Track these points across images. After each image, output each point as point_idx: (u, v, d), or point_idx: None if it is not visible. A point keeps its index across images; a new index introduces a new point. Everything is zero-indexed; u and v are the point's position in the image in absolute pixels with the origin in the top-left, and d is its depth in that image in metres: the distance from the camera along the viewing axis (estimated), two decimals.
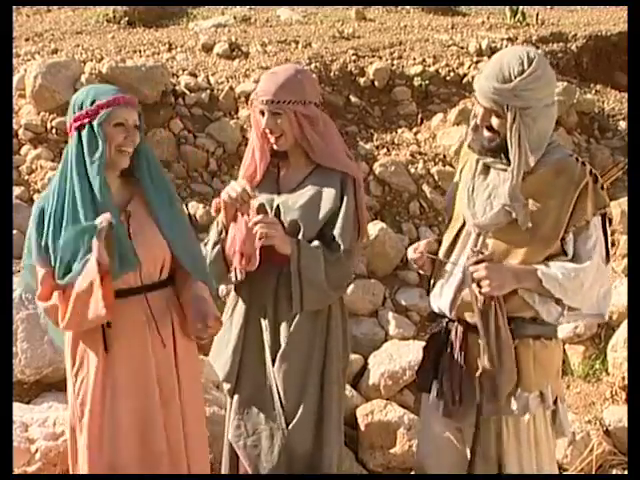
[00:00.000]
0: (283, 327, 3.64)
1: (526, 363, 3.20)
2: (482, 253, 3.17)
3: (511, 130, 3.07)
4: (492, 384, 3.17)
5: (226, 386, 3.78)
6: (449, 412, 3.26)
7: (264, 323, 3.67)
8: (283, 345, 3.64)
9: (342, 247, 3.59)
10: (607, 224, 3.18)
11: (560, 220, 3.13)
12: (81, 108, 3.23)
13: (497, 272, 3.13)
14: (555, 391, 3.29)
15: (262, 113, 3.58)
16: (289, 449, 3.67)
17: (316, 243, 3.59)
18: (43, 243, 3.27)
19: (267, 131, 3.58)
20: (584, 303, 3.20)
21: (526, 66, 3.06)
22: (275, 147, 3.61)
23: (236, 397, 3.74)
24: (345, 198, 3.59)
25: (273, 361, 3.66)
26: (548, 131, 3.16)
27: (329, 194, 3.59)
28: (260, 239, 3.50)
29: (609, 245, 3.19)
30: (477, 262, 3.15)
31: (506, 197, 3.14)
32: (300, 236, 3.58)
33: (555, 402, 3.29)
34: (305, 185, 3.62)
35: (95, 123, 3.20)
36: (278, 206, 3.62)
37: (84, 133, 3.22)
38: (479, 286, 3.14)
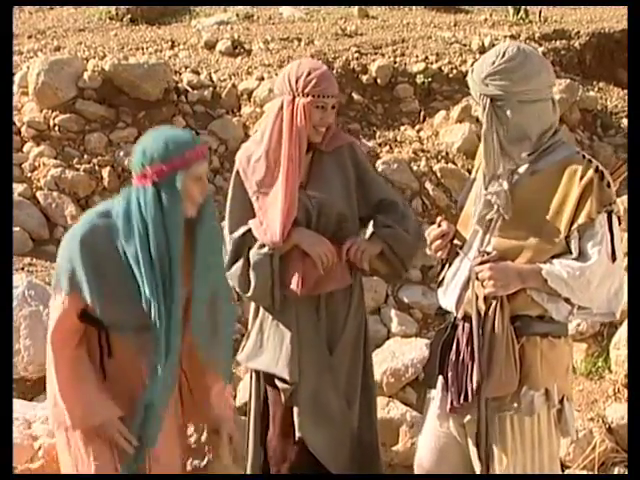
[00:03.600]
0: (339, 315, 3.75)
1: (533, 361, 3.17)
2: (488, 253, 3.16)
3: (483, 116, 3.14)
4: (477, 385, 3.16)
5: (285, 386, 3.72)
6: (454, 407, 3.24)
7: (319, 315, 3.73)
8: (344, 332, 3.76)
9: (395, 201, 3.77)
10: (615, 222, 3.14)
11: (564, 217, 3.10)
12: (163, 158, 2.99)
13: (502, 272, 3.11)
14: (562, 390, 3.24)
15: (321, 107, 3.58)
16: (352, 433, 3.80)
17: (383, 221, 3.71)
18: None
19: (316, 124, 3.59)
20: (593, 302, 3.16)
21: (499, 57, 3.11)
22: (315, 140, 3.64)
23: (299, 393, 3.72)
24: (360, 161, 3.76)
25: (330, 350, 3.75)
26: (528, 128, 3.13)
27: (346, 170, 3.71)
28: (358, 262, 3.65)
29: (616, 243, 3.15)
30: (482, 262, 3.14)
31: (482, 186, 3.16)
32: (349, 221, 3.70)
33: (562, 401, 3.25)
34: (321, 175, 3.67)
35: (178, 178, 3.00)
36: (311, 202, 3.66)
37: (164, 186, 3.00)
38: (483, 286, 3.13)
